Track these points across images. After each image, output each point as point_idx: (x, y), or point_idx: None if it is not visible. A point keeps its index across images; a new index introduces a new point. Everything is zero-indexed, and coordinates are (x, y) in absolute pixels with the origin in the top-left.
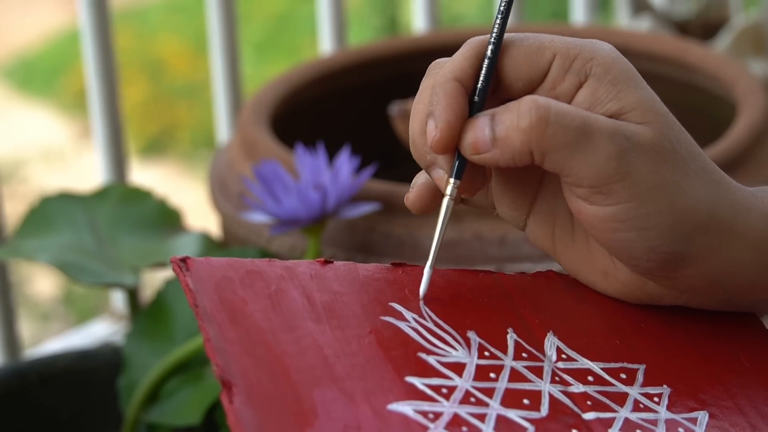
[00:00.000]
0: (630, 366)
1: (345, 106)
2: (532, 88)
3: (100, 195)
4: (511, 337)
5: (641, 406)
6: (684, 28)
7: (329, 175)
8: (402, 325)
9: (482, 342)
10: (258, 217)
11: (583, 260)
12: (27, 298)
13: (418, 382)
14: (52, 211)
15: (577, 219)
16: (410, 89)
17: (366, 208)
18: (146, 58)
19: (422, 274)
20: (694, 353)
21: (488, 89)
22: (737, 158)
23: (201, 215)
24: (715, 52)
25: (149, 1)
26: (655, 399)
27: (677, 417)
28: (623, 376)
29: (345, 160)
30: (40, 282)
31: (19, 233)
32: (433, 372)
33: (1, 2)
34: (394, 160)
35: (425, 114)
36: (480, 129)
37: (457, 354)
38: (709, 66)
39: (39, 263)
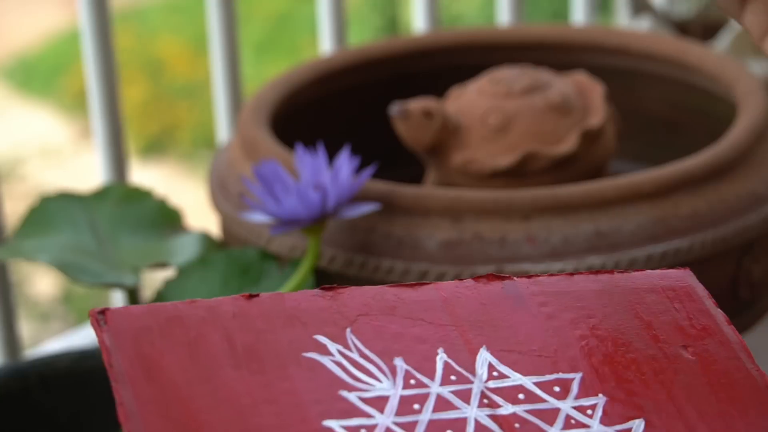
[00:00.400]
0: (565, 376)
1: (345, 106)
2: None
3: (100, 195)
4: (441, 359)
5: (572, 422)
6: (684, 28)
7: (329, 175)
8: (325, 360)
9: (409, 369)
10: (258, 217)
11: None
12: (27, 298)
13: (336, 425)
14: (52, 211)
15: None
16: (410, 89)
17: (366, 208)
18: (146, 58)
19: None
20: (637, 351)
21: None
22: (737, 158)
23: (201, 215)
24: (715, 52)
25: (149, 1)
26: (588, 411)
27: (609, 430)
28: (556, 389)
29: (345, 160)
30: (40, 282)
31: (19, 233)
32: (353, 411)
33: (1, 2)
34: (394, 160)
35: None
36: None
37: (381, 386)
38: (709, 66)
39: (39, 263)
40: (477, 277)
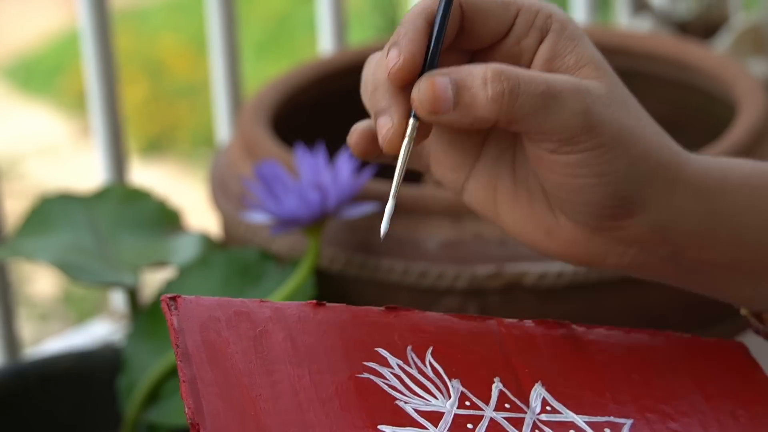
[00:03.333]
0: (616, 420)
1: (345, 107)
2: (496, 41)
3: (100, 195)
4: (497, 387)
5: None
6: (684, 28)
7: (329, 175)
8: (385, 371)
9: (465, 391)
10: (258, 217)
11: (526, 220)
12: (27, 298)
13: (389, 430)
14: (52, 211)
15: (535, 167)
16: None
17: (366, 208)
18: (146, 58)
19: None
20: (687, 407)
21: (441, 43)
22: (737, 158)
23: (201, 215)
24: (715, 52)
25: (149, 1)
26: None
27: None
28: (607, 430)
29: (345, 160)
30: (40, 282)
31: (19, 233)
32: (408, 421)
33: (1, 2)
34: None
35: (384, 52)
36: (441, 89)
37: (437, 402)
38: (709, 66)
39: (39, 263)
40: (537, 321)
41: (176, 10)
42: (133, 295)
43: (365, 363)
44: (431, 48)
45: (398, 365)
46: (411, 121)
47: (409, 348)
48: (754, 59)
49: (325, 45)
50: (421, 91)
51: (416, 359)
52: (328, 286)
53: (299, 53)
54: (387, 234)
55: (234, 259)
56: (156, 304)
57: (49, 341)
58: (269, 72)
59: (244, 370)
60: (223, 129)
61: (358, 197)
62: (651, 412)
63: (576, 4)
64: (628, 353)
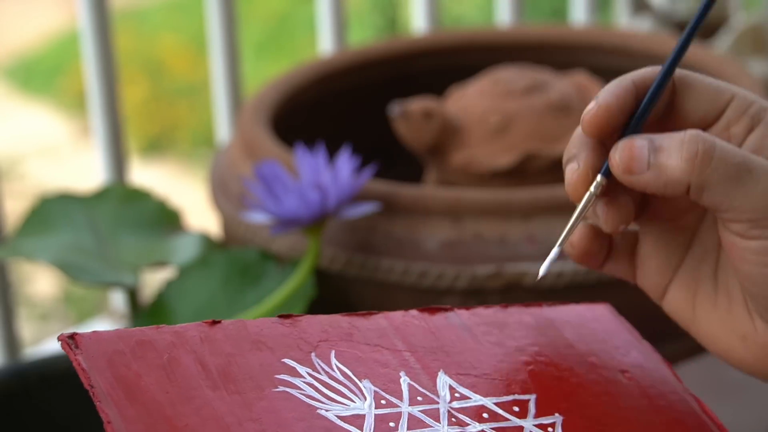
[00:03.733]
0: (521, 397)
1: (345, 107)
2: (705, 125)
3: (100, 195)
4: (405, 381)
5: None
6: (684, 28)
7: (329, 175)
8: (297, 381)
9: (377, 390)
10: (258, 217)
11: (723, 325)
12: (27, 298)
13: None
14: (52, 211)
15: (728, 254)
16: (410, 90)
17: (366, 208)
18: (146, 58)
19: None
20: (580, 376)
21: (650, 111)
22: None
23: (201, 215)
24: (715, 52)
25: (149, 1)
26: (549, 429)
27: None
28: (516, 408)
29: (345, 160)
30: (40, 282)
31: (19, 233)
32: (334, 429)
33: (1, 2)
34: (394, 160)
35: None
36: (638, 149)
37: (355, 405)
38: (709, 66)
39: (39, 263)
40: (421, 309)
41: (176, 10)
42: (133, 295)
43: (276, 376)
44: (638, 111)
45: (308, 373)
46: (599, 177)
47: (313, 354)
48: (754, 59)
49: (325, 45)
50: (619, 149)
51: (323, 365)
52: (328, 286)
53: (299, 53)
54: (387, 234)
55: (234, 259)
56: (156, 304)
57: (49, 341)
58: (269, 72)
59: (164, 401)
60: (223, 129)
61: (358, 197)
62: (549, 385)
63: (576, 4)
64: (514, 330)
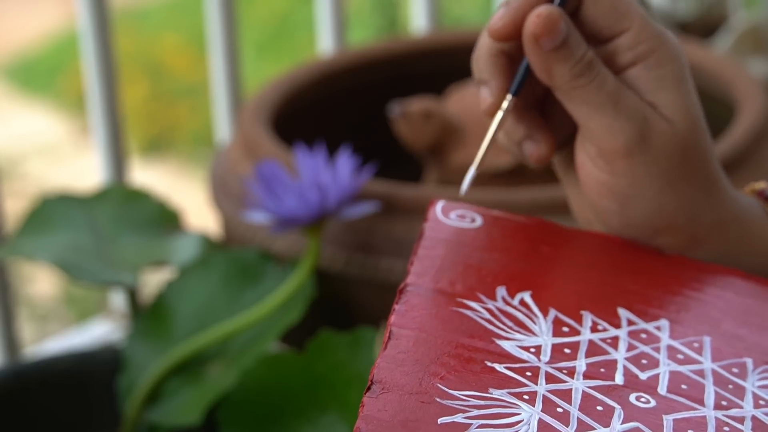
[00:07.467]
0: (651, 326)
1: (345, 107)
2: (597, 40)
3: (100, 195)
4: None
5: (680, 357)
6: (684, 28)
7: (329, 174)
8: (470, 313)
9: (559, 315)
10: (258, 217)
11: (580, 202)
12: (27, 298)
13: (500, 368)
14: (52, 211)
15: (577, 172)
16: (410, 90)
17: (366, 208)
18: (147, 58)
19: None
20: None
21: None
22: (737, 158)
23: (201, 215)
24: (715, 52)
25: (149, 1)
26: (695, 345)
27: (719, 366)
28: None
29: (345, 160)
30: (40, 282)
31: (19, 233)
32: (512, 358)
33: (1, 2)
34: (394, 160)
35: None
36: (556, 16)
37: (535, 334)
38: (709, 66)
39: (39, 263)
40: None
41: (176, 10)
42: (133, 295)
43: None
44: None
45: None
46: (509, 96)
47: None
48: (754, 59)
49: (325, 45)
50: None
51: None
52: (328, 286)
53: (299, 53)
54: (387, 234)
55: (234, 259)
56: (156, 304)
57: (49, 341)
58: (269, 72)
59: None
60: (223, 129)
61: (358, 197)
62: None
63: None
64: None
